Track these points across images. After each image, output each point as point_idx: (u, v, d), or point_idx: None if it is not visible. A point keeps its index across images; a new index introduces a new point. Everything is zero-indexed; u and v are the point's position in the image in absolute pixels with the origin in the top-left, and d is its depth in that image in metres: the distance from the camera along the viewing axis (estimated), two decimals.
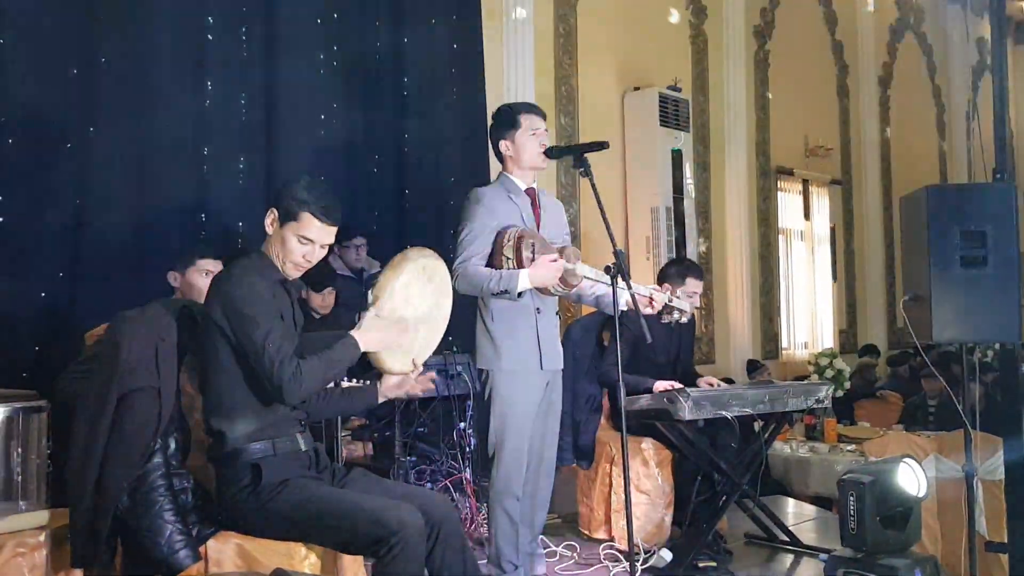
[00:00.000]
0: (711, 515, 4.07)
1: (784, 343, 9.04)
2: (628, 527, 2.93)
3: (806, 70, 9.45)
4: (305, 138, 4.79)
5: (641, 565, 3.85)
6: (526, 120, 3.39)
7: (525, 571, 3.43)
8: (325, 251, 2.68)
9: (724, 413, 3.90)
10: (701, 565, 3.88)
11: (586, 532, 4.41)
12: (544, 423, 3.45)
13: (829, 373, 6.38)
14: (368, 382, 2.96)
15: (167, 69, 4.26)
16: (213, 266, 3.41)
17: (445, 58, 5.51)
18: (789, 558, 4.19)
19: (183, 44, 4.34)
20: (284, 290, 2.67)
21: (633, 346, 4.16)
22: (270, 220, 2.62)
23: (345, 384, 3.22)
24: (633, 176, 6.93)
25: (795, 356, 9.05)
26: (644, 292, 3.37)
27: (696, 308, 4.34)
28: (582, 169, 3.16)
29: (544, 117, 3.45)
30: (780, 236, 9.02)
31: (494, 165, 3.74)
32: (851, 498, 3.19)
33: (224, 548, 2.55)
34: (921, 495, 3.31)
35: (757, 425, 4.41)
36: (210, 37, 4.43)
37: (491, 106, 5.09)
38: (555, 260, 3.25)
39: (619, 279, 3.02)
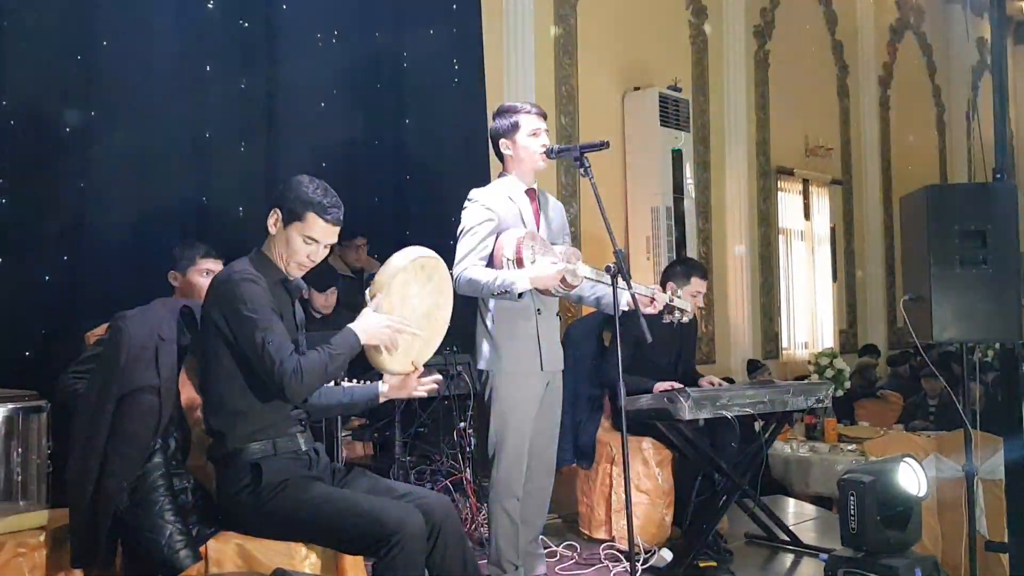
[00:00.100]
0: (711, 515, 4.07)
1: (784, 343, 9.04)
2: (628, 527, 2.93)
3: (806, 70, 9.45)
4: (305, 138, 4.79)
5: (641, 565, 3.84)
6: (526, 120, 3.38)
7: (525, 571, 3.43)
8: (327, 250, 2.68)
9: (724, 413, 3.90)
10: (701, 565, 3.88)
11: (586, 532, 4.41)
12: (544, 423, 3.45)
13: (829, 373, 6.38)
14: (369, 382, 2.96)
15: (167, 70, 4.26)
16: (214, 266, 3.41)
17: (445, 58, 5.51)
18: (789, 558, 4.19)
19: (184, 45, 4.34)
20: (285, 290, 2.66)
21: (635, 346, 4.16)
22: (273, 220, 2.62)
23: (346, 384, 3.22)
24: (633, 176, 6.93)
25: (795, 356, 9.05)
26: (645, 292, 3.37)
27: (699, 308, 4.34)
28: (582, 169, 3.15)
29: (545, 117, 3.45)
30: (780, 236, 9.02)
31: (494, 165, 3.74)
32: (851, 498, 3.19)
33: (224, 548, 2.55)
34: (921, 495, 3.31)
35: (757, 425, 4.41)
36: (211, 37, 4.43)
37: (491, 106, 5.10)
38: (555, 261, 3.25)
39: (619, 279, 3.02)
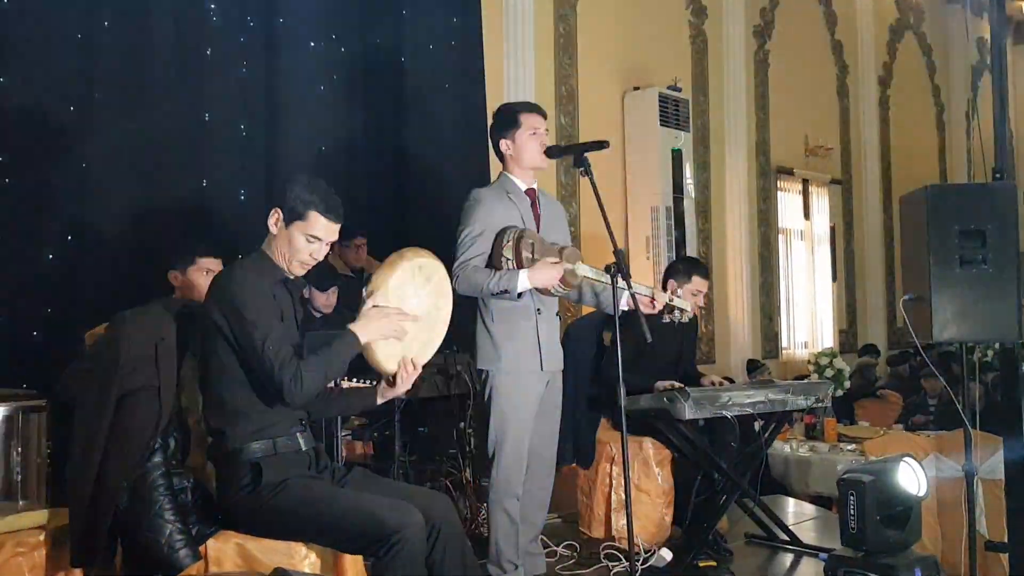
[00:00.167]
0: (711, 514, 4.07)
1: (784, 343, 9.04)
2: (628, 526, 2.93)
3: (806, 70, 9.45)
4: (305, 138, 4.80)
5: (641, 565, 3.84)
6: (526, 119, 3.38)
7: (525, 570, 3.43)
8: (328, 247, 2.68)
9: (724, 412, 3.90)
10: (701, 564, 3.88)
11: (586, 531, 4.41)
12: (544, 423, 3.45)
13: (829, 373, 6.38)
14: (368, 382, 2.96)
15: (167, 69, 4.26)
16: (214, 265, 3.41)
17: (445, 58, 5.51)
18: (789, 557, 4.19)
19: (184, 45, 4.34)
20: (286, 290, 2.67)
21: (636, 346, 4.16)
22: (274, 220, 2.62)
23: (345, 384, 3.22)
24: (633, 176, 6.93)
25: (795, 356, 9.06)
26: (644, 292, 3.37)
27: (699, 307, 4.34)
28: (582, 168, 3.15)
29: (544, 116, 3.45)
30: (780, 236, 9.03)
31: (494, 165, 3.74)
32: (851, 497, 3.19)
33: (224, 547, 2.55)
34: (921, 494, 3.31)
35: (757, 425, 4.41)
36: (211, 36, 4.43)
37: (491, 106, 5.10)
38: (555, 261, 3.25)
39: (619, 279, 3.02)
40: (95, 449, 2.45)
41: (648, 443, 4.21)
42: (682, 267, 4.36)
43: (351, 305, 4.46)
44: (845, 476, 3.28)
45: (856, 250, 10.29)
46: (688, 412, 3.81)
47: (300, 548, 2.53)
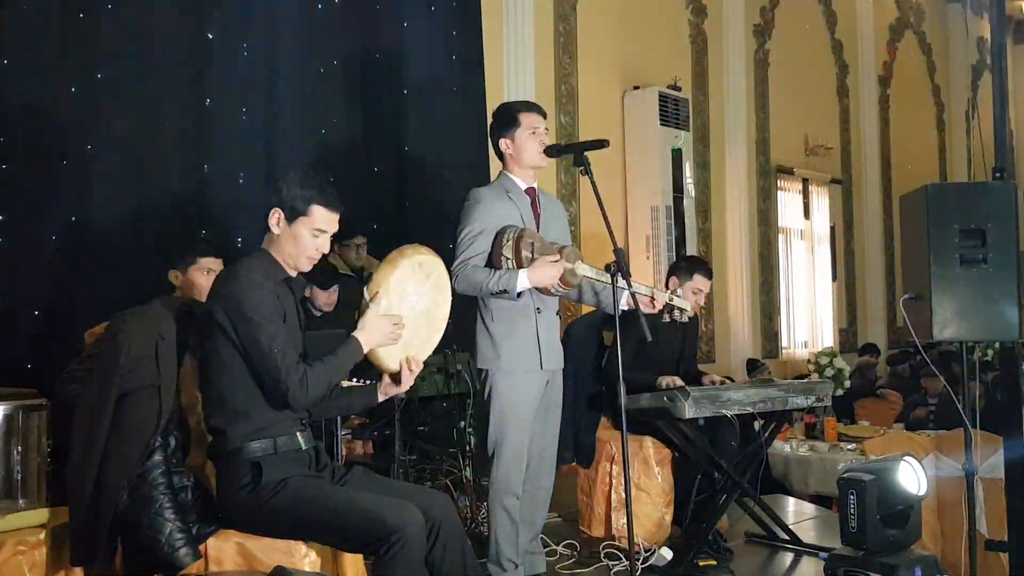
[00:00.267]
0: (711, 514, 4.07)
1: (784, 342, 9.05)
2: (628, 526, 2.94)
3: (806, 69, 9.46)
4: (305, 137, 4.80)
5: (641, 564, 3.84)
6: (526, 119, 3.38)
7: (525, 570, 3.43)
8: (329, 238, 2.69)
9: (724, 411, 3.90)
10: (701, 564, 3.88)
11: (586, 531, 4.41)
12: (544, 422, 3.45)
13: (829, 372, 6.38)
14: (368, 381, 2.96)
15: (167, 69, 4.26)
16: (215, 265, 3.41)
17: (445, 58, 5.51)
18: (789, 557, 4.19)
19: (184, 44, 4.34)
20: (288, 289, 2.67)
21: (637, 345, 4.16)
22: (275, 220, 2.62)
23: (345, 384, 3.22)
24: (633, 175, 6.94)
25: (795, 355, 9.06)
26: (645, 292, 3.37)
27: (699, 307, 4.34)
28: (582, 167, 3.15)
29: (544, 116, 3.45)
30: (780, 235, 9.03)
31: (494, 164, 3.74)
32: (851, 496, 3.19)
33: (224, 546, 2.55)
34: (921, 493, 3.31)
35: (757, 424, 4.41)
36: (210, 36, 4.44)
37: (491, 105, 5.10)
38: (554, 260, 3.25)
39: (619, 278, 3.02)
40: (95, 448, 2.45)
41: (648, 442, 4.21)
42: (685, 265, 4.36)
43: (350, 304, 4.47)
44: (845, 475, 3.28)
45: (856, 250, 10.29)
46: (688, 411, 3.81)
47: (300, 547, 2.53)
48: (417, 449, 4.43)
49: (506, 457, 3.33)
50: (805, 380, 5.46)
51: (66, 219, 3.89)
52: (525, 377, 3.35)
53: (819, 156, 9.52)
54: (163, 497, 2.49)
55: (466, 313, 3.36)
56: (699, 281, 4.27)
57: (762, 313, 8.63)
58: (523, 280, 3.20)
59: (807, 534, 4.48)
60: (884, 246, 10.63)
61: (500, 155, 3.46)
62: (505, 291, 3.19)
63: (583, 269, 3.31)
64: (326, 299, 4.44)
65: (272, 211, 2.62)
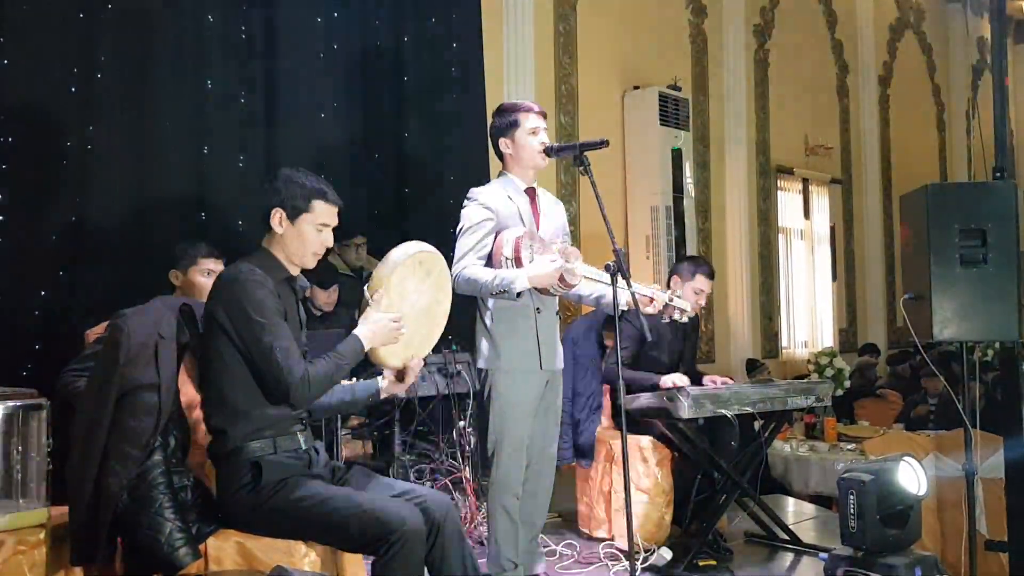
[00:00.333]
0: (711, 514, 4.07)
1: (784, 342, 9.05)
2: (628, 526, 2.93)
3: (806, 69, 9.46)
4: (305, 137, 4.80)
5: (641, 564, 3.84)
6: (526, 118, 3.38)
7: (525, 569, 3.43)
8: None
9: (724, 411, 3.90)
10: (701, 564, 3.88)
11: (586, 531, 4.41)
12: (544, 422, 3.45)
13: (829, 372, 6.38)
14: (369, 380, 2.96)
15: (166, 68, 4.26)
16: (215, 265, 3.42)
17: (445, 58, 5.51)
18: (789, 557, 4.19)
19: (183, 44, 4.34)
20: (289, 289, 2.67)
21: (638, 345, 4.17)
22: (277, 220, 2.62)
23: (345, 382, 3.22)
24: (633, 175, 6.93)
25: (795, 355, 9.06)
26: (645, 292, 3.37)
27: (700, 307, 4.34)
28: (582, 167, 3.15)
29: (544, 115, 3.45)
30: (780, 235, 9.03)
31: (494, 164, 3.74)
32: (851, 496, 3.19)
33: (224, 546, 2.55)
34: (921, 493, 3.31)
35: (757, 424, 4.41)
36: (210, 36, 4.44)
37: (491, 105, 5.10)
38: (554, 260, 3.25)
39: (619, 278, 3.02)
40: (95, 448, 2.45)
41: (648, 442, 4.21)
42: (688, 265, 4.37)
43: (350, 304, 4.48)
44: (845, 475, 3.28)
45: (856, 250, 10.29)
46: (688, 411, 3.81)
47: (300, 547, 2.53)
48: (417, 449, 4.43)
49: (506, 457, 3.33)
50: (805, 380, 5.47)
51: (66, 219, 3.90)
52: (525, 377, 3.35)
53: (819, 156, 9.51)
54: (163, 497, 2.48)
55: (466, 313, 3.36)
56: (701, 281, 4.27)
57: (762, 313, 8.62)
58: (523, 280, 3.20)
59: (807, 534, 4.48)
60: (884, 246, 10.63)
61: (500, 155, 3.46)
62: (505, 291, 3.19)
63: (583, 269, 3.31)
64: (326, 298, 4.44)
65: (273, 211, 2.62)
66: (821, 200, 9.67)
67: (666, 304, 3.44)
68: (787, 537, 4.30)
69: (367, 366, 2.79)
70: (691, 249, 7.00)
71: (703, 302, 4.39)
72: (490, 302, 3.33)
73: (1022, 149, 10.27)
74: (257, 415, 2.57)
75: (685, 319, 3.58)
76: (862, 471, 3.29)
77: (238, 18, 4.55)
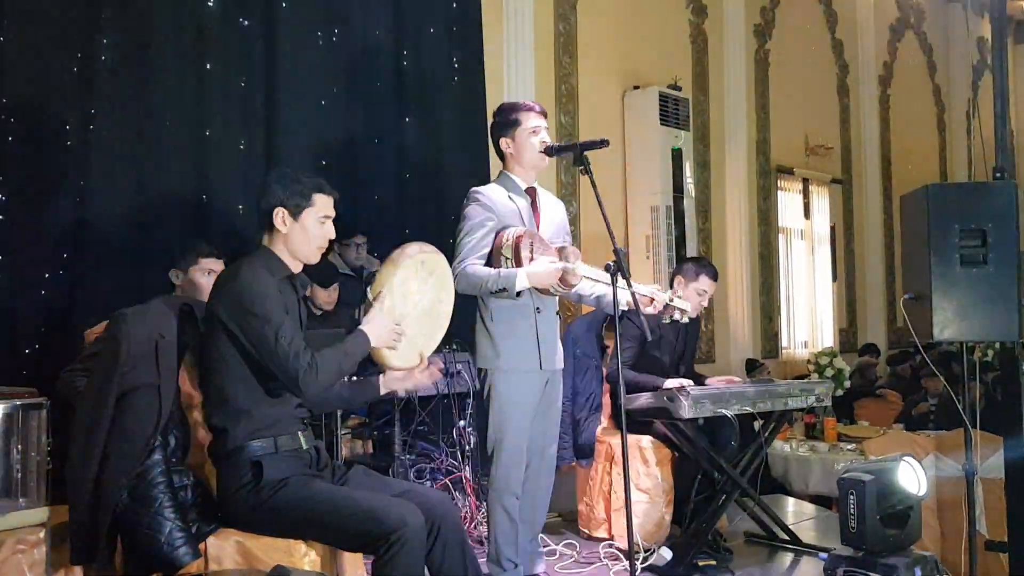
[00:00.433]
0: (711, 513, 4.07)
1: (784, 342, 9.04)
2: (628, 525, 2.93)
3: (806, 69, 9.45)
4: (305, 136, 4.79)
5: (641, 563, 3.84)
6: (527, 118, 3.38)
7: (525, 569, 3.43)
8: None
9: (724, 411, 3.91)
10: (701, 564, 3.88)
11: (586, 530, 4.41)
12: (544, 422, 3.45)
13: (829, 372, 6.38)
14: (369, 377, 2.97)
15: (167, 68, 4.26)
16: (215, 265, 3.41)
17: (445, 56, 5.51)
18: (789, 557, 4.19)
19: (183, 44, 4.34)
20: (291, 286, 2.68)
21: (639, 345, 4.17)
22: (280, 219, 2.63)
23: (346, 379, 3.22)
24: (633, 175, 6.93)
25: (795, 355, 9.06)
26: (645, 292, 3.37)
27: (703, 308, 4.34)
28: (582, 167, 3.15)
29: (545, 115, 3.45)
30: (780, 235, 9.02)
31: (494, 164, 3.74)
32: (851, 497, 3.19)
33: (224, 545, 2.55)
34: (921, 494, 3.31)
35: (757, 424, 4.41)
36: (211, 35, 4.43)
37: (491, 105, 5.10)
38: (554, 259, 3.25)
39: (619, 277, 3.02)
40: (95, 447, 2.45)
41: (648, 442, 4.22)
42: (692, 266, 4.37)
43: (350, 303, 4.48)
44: (845, 475, 3.28)
45: (856, 249, 10.29)
46: (688, 411, 3.81)
47: (300, 546, 2.53)
48: (417, 449, 4.43)
49: (506, 457, 3.33)
50: (805, 380, 5.47)
51: (66, 219, 3.89)
52: (525, 377, 3.35)
53: (819, 156, 9.51)
54: (163, 496, 2.49)
55: (466, 312, 3.36)
56: (705, 282, 4.28)
57: (762, 313, 8.62)
58: (523, 279, 3.20)
59: (807, 534, 4.48)
60: (884, 246, 10.62)
61: (501, 155, 3.46)
62: (504, 290, 3.20)
63: (583, 269, 3.31)
64: (326, 297, 4.44)
65: (275, 211, 2.64)
66: (821, 200, 9.67)
67: (666, 304, 3.44)
68: (787, 537, 4.30)
69: (370, 364, 2.79)
70: (691, 249, 7.00)
71: (706, 303, 4.40)
72: (490, 301, 3.33)
73: (1022, 149, 10.26)
74: (258, 414, 2.57)
75: (686, 319, 3.58)
76: (862, 471, 3.29)
77: (239, 16, 4.54)
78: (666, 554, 3.90)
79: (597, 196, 3.07)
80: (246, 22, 4.56)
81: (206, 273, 3.40)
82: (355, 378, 3.17)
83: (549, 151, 3.38)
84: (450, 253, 3.25)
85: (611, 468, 4.29)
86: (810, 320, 9.57)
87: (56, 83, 3.89)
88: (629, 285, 3.05)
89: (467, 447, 4.36)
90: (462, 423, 4.37)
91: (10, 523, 2.54)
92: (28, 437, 2.73)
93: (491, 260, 3.30)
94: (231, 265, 2.69)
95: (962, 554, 3.49)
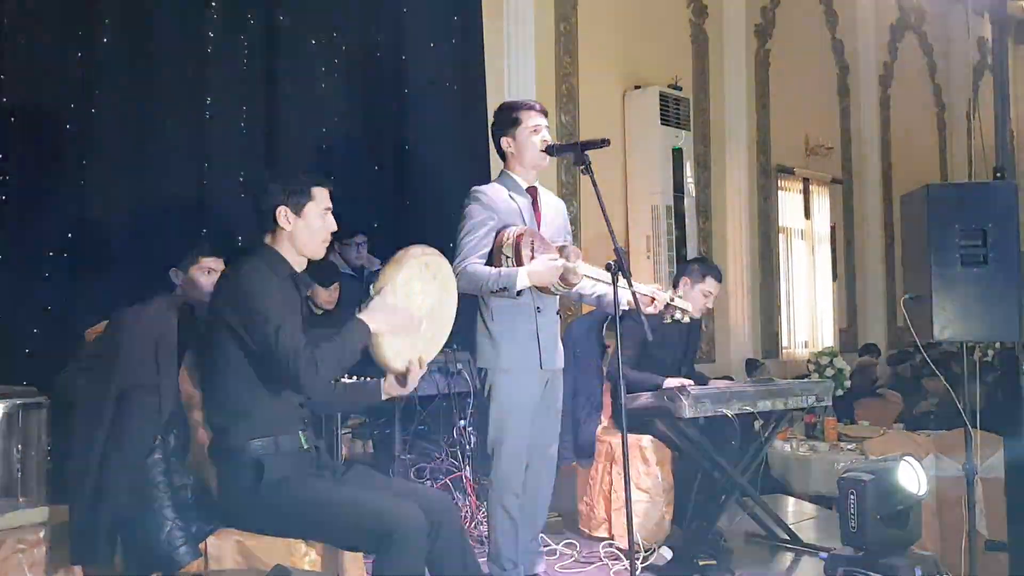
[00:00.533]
0: (711, 513, 4.07)
1: (784, 342, 9.04)
2: (628, 525, 2.93)
3: (807, 69, 9.45)
4: (306, 136, 4.80)
5: (641, 563, 3.84)
6: (527, 117, 3.38)
7: (525, 569, 3.43)
8: None
9: (725, 411, 3.90)
10: (701, 563, 3.87)
11: (586, 530, 4.41)
12: (544, 421, 3.45)
13: (829, 372, 6.37)
14: (371, 379, 2.96)
15: (168, 68, 4.26)
16: (215, 264, 3.41)
17: (446, 57, 5.51)
18: (789, 556, 4.19)
19: (184, 43, 4.34)
20: (293, 285, 2.68)
21: (640, 345, 4.16)
22: (283, 216, 2.63)
23: (346, 381, 3.22)
24: (633, 175, 6.93)
25: (795, 355, 9.06)
26: (645, 291, 3.36)
27: (708, 309, 4.35)
28: (583, 166, 3.15)
29: (546, 114, 3.45)
30: (780, 235, 9.02)
31: (494, 164, 3.73)
32: (851, 496, 3.19)
33: (224, 545, 2.55)
34: (921, 493, 3.31)
35: (757, 424, 4.41)
36: (212, 35, 4.43)
37: (491, 105, 5.10)
38: (554, 258, 3.25)
39: (620, 277, 3.02)
40: (95, 446, 2.45)
41: (648, 441, 4.21)
42: (697, 267, 4.37)
43: (350, 303, 4.47)
44: (845, 475, 3.28)
45: (856, 249, 10.29)
46: (688, 410, 3.81)
47: (300, 545, 2.53)
48: (417, 449, 4.43)
49: (506, 456, 3.33)
50: (805, 380, 5.47)
51: (66, 219, 3.89)
52: (525, 376, 3.35)
53: (819, 156, 9.51)
54: (163, 496, 2.49)
55: (466, 312, 3.36)
56: (710, 284, 4.29)
57: (762, 313, 8.62)
58: (523, 279, 3.19)
59: (807, 534, 4.48)
60: (884, 246, 10.62)
61: (502, 154, 3.46)
62: (505, 289, 3.19)
63: (583, 268, 3.31)
64: (327, 297, 4.44)
65: (278, 210, 2.63)
66: (821, 200, 9.67)
67: (667, 304, 3.43)
68: (787, 537, 4.29)
69: (370, 365, 2.79)
70: (691, 249, 7.00)
71: (710, 304, 4.40)
72: (490, 301, 3.33)
73: (1023, 149, 10.26)
74: (259, 414, 2.57)
75: (686, 319, 3.58)
76: (862, 471, 3.29)
77: (240, 19, 4.54)
78: (666, 554, 3.90)
79: (598, 195, 3.07)
80: (246, 26, 4.56)
81: (206, 272, 3.40)
82: (356, 378, 3.17)
83: (550, 150, 3.38)
84: (451, 252, 3.25)
85: (611, 468, 4.29)
86: (810, 320, 9.57)
87: (56, 83, 3.89)
88: (630, 285, 3.04)
89: (467, 447, 4.36)
90: (462, 423, 4.37)
91: (10, 522, 2.55)
92: (28, 436, 2.74)
93: (492, 259, 3.30)
94: (234, 264, 2.69)
95: (962, 554, 3.49)
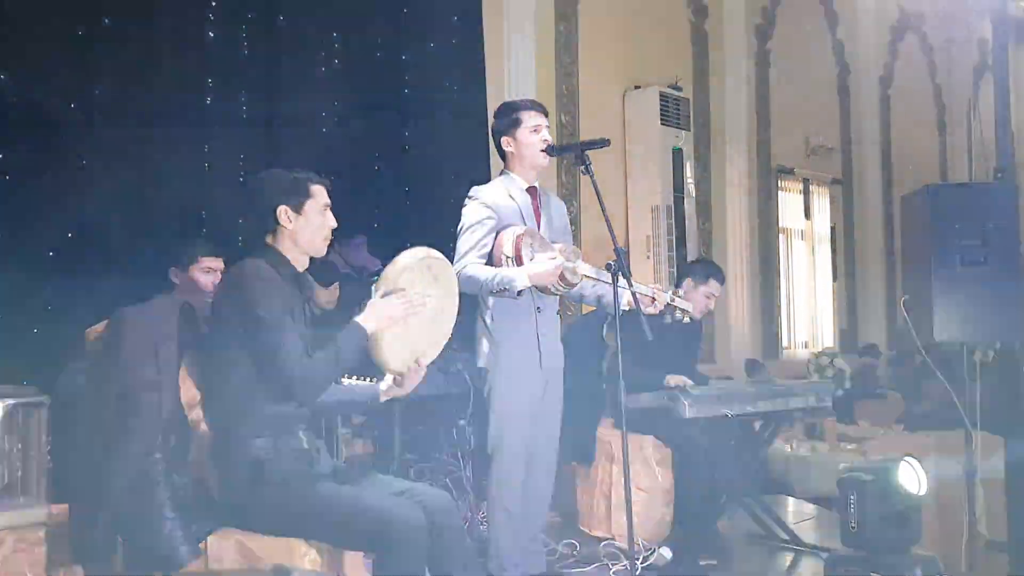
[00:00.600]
0: (711, 513, 4.07)
1: (784, 342, 9.03)
2: (628, 525, 2.93)
3: (807, 69, 9.44)
4: (306, 136, 4.79)
5: (641, 563, 3.84)
6: (528, 117, 3.38)
7: (525, 569, 3.43)
8: None
9: (725, 411, 3.91)
10: (701, 563, 3.88)
11: (586, 530, 4.41)
12: (544, 421, 3.45)
13: (829, 372, 6.38)
14: (372, 379, 2.96)
15: (168, 67, 4.26)
16: (215, 263, 3.42)
17: (446, 56, 5.51)
18: (789, 557, 4.19)
19: (184, 43, 4.34)
20: (296, 285, 2.68)
21: (638, 345, 4.16)
22: (284, 216, 2.64)
23: (346, 382, 3.22)
24: (633, 175, 6.92)
25: (795, 355, 9.05)
26: (645, 291, 3.37)
27: (710, 310, 4.36)
28: (583, 166, 3.15)
29: (546, 114, 3.45)
30: (780, 235, 9.02)
31: (495, 164, 3.74)
32: (852, 497, 3.19)
33: (224, 544, 2.55)
34: (921, 493, 3.31)
35: (757, 424, 4.41)
36: (211, 35, 4.43)
37: (491, 105, 5.10)
38: (554, 258, 3.25)
39: (620, 277, 3.02)
40: (96, 446, 2.45)
41: (648, 441, 4.22)
42: (700, 268, 4.39)
43: (350, 304, 4.47)
44: (846, 475, 3.29)
45: (856, 250, 10.28)
46: (689, 410, 3.82)
47: (300, 545, 2.53)
48: (417, 448, 4.43)
49: (506, 456, 3.33)
50: (805, 380, 5.47)
51: (67, 219, 3.89)
52: (525, 376, 3.35)
53: (820, 156, 9.50)
54: (163, 495, 2.49)
55: (466, 312, 3.35)
56: (714, 285, 4.31)
57: (762, 313, 8.61)
58: (523, 278, 3.20)
59: (807, 534, 4.48)
60: (884, 246, 10.61)
61: (502, 154, 3.46)
62: (505, 289, 3.19)
63: (584, 268, 3.31)
64: (328, 296, 4.44)
65: (279, 210, 2.64)
66: (821, 200, 9.66)
67: (667, 304, 3.44)
68: (787, 537, 4.30)
69: (370, 366, 2.79)
70: (691, 249, 6.99)
71: (713, 305, 4.41)
72: (490, 301, 3.33)
73: (1022, 150, 10.25)
74: (259, 414, 2.57)
75: (687, 319, 3.58)
76: (862, 471, 3.29)
77: (240, 19, 4.55)
78: (666, 554, 3.90)
79: (598, 195, 3.08)
80: (248, 21, 4.56)
81: (206, 271, 3.41)
82: (356, 379, 3.18)
83: (550, 150, 3.39)
84: (451, 253, 3.25)
85: (611, 468, 4.29)
86: (810, 320, 9.57)
87: (56, 83, 3.89)
88: (630, 284, 3.05)
89: (467, 447, 4.35)
90: (462, 423, 4.37)
91: (11, 521, 2.55)
92: (28, 436, 2.74)
93: (492, 259, 3.30)
94: (236, 264, 2.68)
95: (962, 554, 3.49)
